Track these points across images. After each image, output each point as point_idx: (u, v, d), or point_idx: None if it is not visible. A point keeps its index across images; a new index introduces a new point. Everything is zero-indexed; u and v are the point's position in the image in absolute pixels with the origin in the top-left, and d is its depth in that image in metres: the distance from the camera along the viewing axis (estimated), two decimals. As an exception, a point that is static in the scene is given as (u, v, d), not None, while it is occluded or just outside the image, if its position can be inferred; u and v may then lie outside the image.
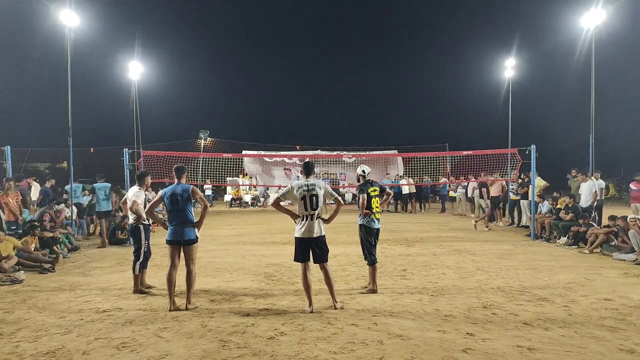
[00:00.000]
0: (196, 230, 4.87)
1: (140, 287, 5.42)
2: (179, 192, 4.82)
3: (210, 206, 21.60)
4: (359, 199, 5.37)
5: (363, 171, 5.57)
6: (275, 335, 3.87)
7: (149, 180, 5.88)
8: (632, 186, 10.65)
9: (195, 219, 4.90)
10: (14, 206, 8.51)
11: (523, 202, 11.93)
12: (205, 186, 21.77)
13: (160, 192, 4.98)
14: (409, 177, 19.02)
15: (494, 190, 12.86)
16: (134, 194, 5.59)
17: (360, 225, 5.40)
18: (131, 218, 5.55)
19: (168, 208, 4.85)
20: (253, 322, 4.21)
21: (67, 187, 11.53)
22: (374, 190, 5.43)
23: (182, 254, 4.87)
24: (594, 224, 8.91)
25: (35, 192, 11.19)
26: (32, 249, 7.35)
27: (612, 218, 8.24)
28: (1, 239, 6.86)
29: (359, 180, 5.58)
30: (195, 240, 4.86)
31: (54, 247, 7.91)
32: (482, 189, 12.67)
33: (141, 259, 5.43)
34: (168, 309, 4.67)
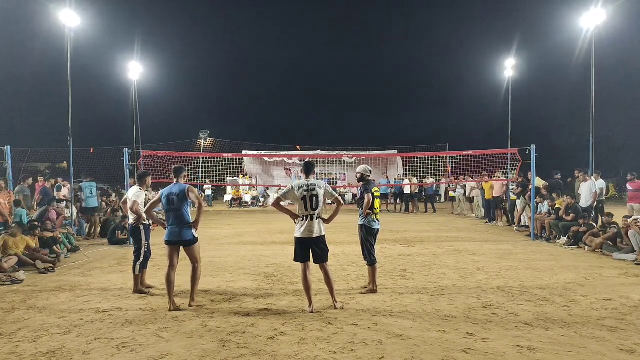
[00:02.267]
0: (194, 230, 4.87)
1: (140, 287, 5.41)
2: (175, 191, 4.83)
3: (210, 206, 21.78)
4: (362, 198, 5.34)
5: (365, 170, 5.56)
6: (275, 335, 3.87)
7: (149, 180, 5.88)
8: (628, 186, 10.65)
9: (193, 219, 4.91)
10: (5, 207, 8.52)
11: (518, 202, 11.91)
12: (205, 186, 21.77)
13: (159, 192, 5.00)
14: (413, 176, 18.98)
15: (496, 190, 12.86)
16: (134, 194, 5.58)
17: (361, 225, 5.39)
18: (131, 218, 5.55)
19: (165, 208, 4.85)
20: (253, 322, 4.21)
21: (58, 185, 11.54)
22: (376, 191, 5.44)
23: (181, 254, 4.88)
24: (594, 225, 8.90)
25: (65, 191, 11.37)
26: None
27: (610, 215, 8.37)
28: (16, 233, 6.91)
29: (361, 179, 5.53)
30: (194, 240, 4.86)
31: (54, 247, 7.92)
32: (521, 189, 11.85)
33: (141, 259, 5.43)
34: (168, 309, 4.67)
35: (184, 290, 5.07)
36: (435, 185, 17.85)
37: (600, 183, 10.46)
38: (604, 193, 10.77)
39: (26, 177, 10.49)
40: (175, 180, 4.98)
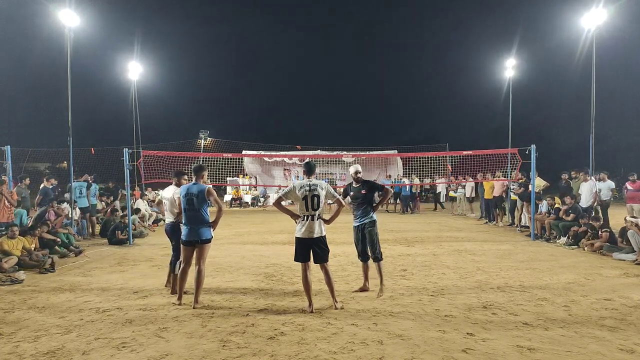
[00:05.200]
0: (211, 230, 4.93)
1: (176, 288, 5.12)
2: (194, 192, 4.84)
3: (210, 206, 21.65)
4: (385, 193, 5.39)
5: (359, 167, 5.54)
6: (275, 335, 3.87)
7: (181, 179, 5.63)
8: (628, 186, 10.61)
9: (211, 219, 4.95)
10: (11, 201, 8.59)
11: (519, 202, 11.90)
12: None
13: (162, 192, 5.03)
14: (415, 176, 18.95)
15: (496, 190, 12.85)
16: (167, 189, 5.54)
17: (375, 221, 5.34)
18: (169, 216, 5.44)
19: (183, 207, 4.87)
20: (253, 322, 4.21)
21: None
22: None
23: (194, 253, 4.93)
24: (594, 224, 8.88)
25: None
26: (32, 249, 7.35)
27: (597, 219, 8.58)
28: (15, 235, 6.92)
29: (358, 181, 5.40)
30: (210, 240, 4.93)
31: (55, 247, 7.92)
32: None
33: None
34: (178, 304, 4.79)
35: (187, 289, 5.08)
36: (410, 186, 17.61)
37: (610, 184, 10.42)
38: (611, 194, 10.69)
39: (24, 177, 10.48)
40: (194, 179, 4.99)
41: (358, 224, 5.37)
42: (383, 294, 5.16)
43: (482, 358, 3.37)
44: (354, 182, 5.45)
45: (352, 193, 5.41)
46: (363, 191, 5.34)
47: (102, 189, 13.66)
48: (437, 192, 18.78)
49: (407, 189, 17.15)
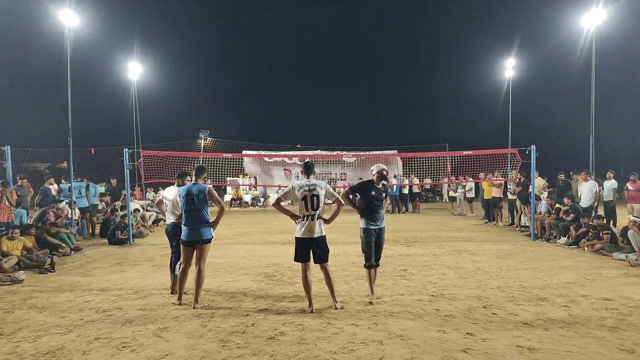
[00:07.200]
0: (212, 229, 4.93)
1: (176, 289, 5.10)
2: (194, 192, 4.83)
3: (210, 206, 21.60)
4: (385, 200, 5.34)
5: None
6: (275, 335, 3.87)
7: (184, 179, 5.47)
8: (629, 186, 10.63)
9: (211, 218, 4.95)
10: (11, 203, 8.63)
11: (517, 202, 11.90)
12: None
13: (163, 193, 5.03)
14: (415, 176, 18.94)
15: (496, 191, 12.84)
16: (169, 190, 5.46)
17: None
18: (172, 217, 5.36)
19: (184, 208, 4.87)
20: (253, 322, 4.21)
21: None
22: None
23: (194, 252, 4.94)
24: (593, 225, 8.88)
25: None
26: (31, 247, 7.35)
27: (600, 217, 8.53)
28: (15, 236, 6.94)
29: (385, 177, 5.18)
30: (211, 240, 4.94)
31: (58, 248, 7.93)
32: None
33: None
34: (178, 304, 4.80)
35: (187, 289, 5.08)
36: (410, 187, 17.58)
37: (613, 183, 10.41)
38: (614, 194, 10.69)
39: (22, 177, 10.48)
40: (194, 180, 5.00)
41: (375, 227, 5.00)
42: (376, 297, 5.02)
43: (482, 358, 3.37)
44: (376, 182, 5.13)
45: (373, 193, 5.02)
46: (384, 194, 5.17)
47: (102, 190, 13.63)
48: (403, 192, 18.24)
49: (395, 190, 17.11)
